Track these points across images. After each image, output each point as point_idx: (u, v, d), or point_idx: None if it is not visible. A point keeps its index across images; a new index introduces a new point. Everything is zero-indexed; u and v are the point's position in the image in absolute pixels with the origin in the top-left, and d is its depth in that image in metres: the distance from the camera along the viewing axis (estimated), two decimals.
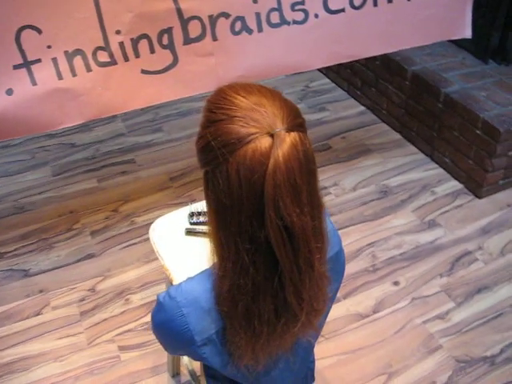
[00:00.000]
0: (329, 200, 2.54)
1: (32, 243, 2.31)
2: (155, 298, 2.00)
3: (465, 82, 2.62)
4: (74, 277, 2.16)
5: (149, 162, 2.77)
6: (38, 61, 1.67)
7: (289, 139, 0.82)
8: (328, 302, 1.00)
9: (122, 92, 1.83)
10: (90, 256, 2.25)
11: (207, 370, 1.23)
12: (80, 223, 2.40)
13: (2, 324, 1.99)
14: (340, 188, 2.63)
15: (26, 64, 1.66)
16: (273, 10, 1.92)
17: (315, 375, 1.31)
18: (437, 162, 2.75)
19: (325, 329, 1.15)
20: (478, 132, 2.41)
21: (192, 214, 1.38)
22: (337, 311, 2.04)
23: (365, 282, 2.15)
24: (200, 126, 0.91)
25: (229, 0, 1.84)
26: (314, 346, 1.21)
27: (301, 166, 0.84)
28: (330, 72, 3.44)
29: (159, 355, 1.88)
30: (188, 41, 1.86)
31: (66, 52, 1.70)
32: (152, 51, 1.83)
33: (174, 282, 1.22)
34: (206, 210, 1.38)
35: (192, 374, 1.62)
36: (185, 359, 1.69)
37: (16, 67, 1.65)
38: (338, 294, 1.87)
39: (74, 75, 1.72)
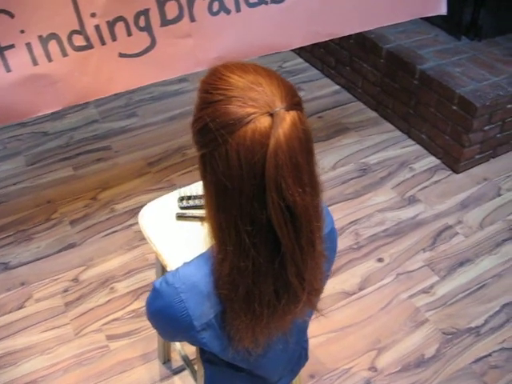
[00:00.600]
0: None
1: (10, 235, 2.25)
2: (140, 285, 1.99)
3: (439, 58, 2.63)
4: (56, 267, 2.12)
5: (125, 147, 2.72)
6: (12, 46, 1.61)
7: (289, 118, 0.81)
8: (324, 281, 1.00)
9: (100, 77, 1.78)
10: (71, 246, 2.20)
11: (204, 354, 1.22)
12: (58, 213, 2.35)
13: None
14: (319, 167, 2.62)
15: None
16: None
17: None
18: (414, 139, 2.77)
19: None
20: (454, 108, 2.44)
21: (182, 198, 1.36)
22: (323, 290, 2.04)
23: (349, 260, 2.17)
24: (195, 108, 0.89)
25: None
26: (308, 325, 1.22)
27: (302, 145, 0.83)
28: (304, 52, 3.42)
29: (148, 342, 1.87)
30: (165, 22, 1.82)
31: (40, 37, 1.64)
32: (129, 34, 1.78)
33: (169, 268, 1.20)
34: (195, 193, 1.38)
35: (185, 359, 1.62)
36: (176, 345, 1.68)
37: None
38: None
39: (50, 60, 1.67)
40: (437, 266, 2.15)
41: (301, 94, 0.80)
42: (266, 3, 1.93)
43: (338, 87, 3.22)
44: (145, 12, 1.77)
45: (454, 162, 2.56)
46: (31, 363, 1.80)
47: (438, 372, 1.81)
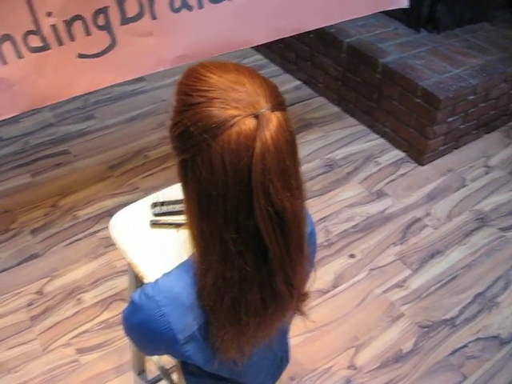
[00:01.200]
0: None
1: None
2: (109, 294, 1.91)
3: (401, 51, 2.64)
4: (19, 280, 2.01)
5: (84, 151, 2.62)
6: None
7: (275, 119, 0.77)
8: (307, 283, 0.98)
9: (59, 79, 1.69)
10: (34, 256, 2.10)
11: (185, 367, 1.17)
12: (18, 222, 2.24)
13: None
14: None
15: None
16: None
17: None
18: (377, 133, 2.78)
19: None
20: (417, 100, 2.45)
21: (155, 205, 1.30)
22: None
23: (322, 258, 2.15)
24: (174, 111, 0.84)
25: None
26: (289, 329, 1.19)
27: (289, 147, 0.80)
28: (263, 48, 3.38)
29: (121, 353, 1.79)
30: (125, 20, 1.74)
31: None
32: (88, 33, 1.70)
33: (146, 280, 1.14)
34: (168, 199, 1.32)
35: (162, 369, 1.56)
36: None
37: None
38: None
39: (4, 63, 1.57)
40: (408, 259, 2.16)
41: None
42: None
43: (298, 83, 3.19)
44: (104, 10, 1.69)
45: (419, 155, 2.57)
46: None
47: (416, 366, 1.81)
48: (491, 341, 1.90)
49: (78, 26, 1.67)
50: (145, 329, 0.90)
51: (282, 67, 3.29)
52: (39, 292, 1.97)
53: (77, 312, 1.91)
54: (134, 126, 2.77)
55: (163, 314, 0.86)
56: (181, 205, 1.30)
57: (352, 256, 2.16)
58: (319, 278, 2.07)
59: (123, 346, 1.81)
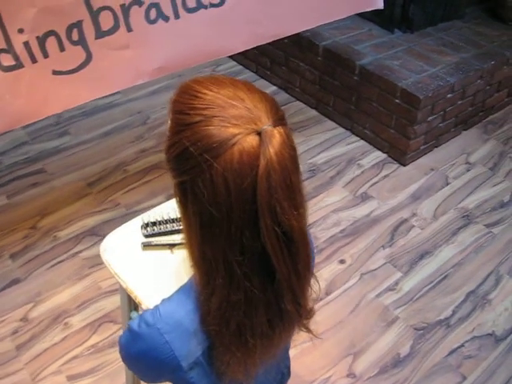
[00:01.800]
0: None
1: None
2: (97, 316, 1.85)
3: (376, 52, 2.64)
4: (1, 307, 1.93)
5: (61, 169, 2.55)
6: None
7: (278, 135, 0.74)
8: None
9: (34, 98, 1.63)
10: (15, 282, 2.02)
11: None
12: None
13: None
14: None
15: None
16: None
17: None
18: (357, 135, 2.77)
19: None
20: (397, 101, 2.44)
21: (146, 225, 1.25)
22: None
23: None
24: (170, 131, 0.80)
25: None
26: (290, 344, 1.16)
27: (293, 164, 0.77)
28: (236, 54, 3.33)
29: (114, 378, 1.74)
30: (100, 34, 1.69)
31: None
32: (62, 49, 1.64)
33: (144, 306, 1.09)
34: (159, 218, 1.27)
35: None
36: None
37: None
38: None
39: None
40: (398, 261, 2.14)
41: None
42: (206, 7, 1.84)
43: (274, 88, 3.17)
44: (77, 24, 1.63)
45: (401, 155, 2.57)
46: None
47: (415, 370, 1.79)
48: (487, 339, 1.89)
49: (51, 42, 1.61)
50: (147, 357, 0.85)
51: (257, 73, 3.27)
52: (24, 319, 1.90)
53: (65, 337, 1.85)
54: (110, 141, 2.71)
55: (166, 341, 0.82)
56: (172, 224, 1.26)
57: (342, 261, 2.14)
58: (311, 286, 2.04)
59: (116, 369, 1.75)
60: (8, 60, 1.55)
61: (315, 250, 2.17)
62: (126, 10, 1.69)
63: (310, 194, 2.44)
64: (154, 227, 1.25)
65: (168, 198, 2.43)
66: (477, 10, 3.10)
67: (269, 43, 2.99)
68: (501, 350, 1.86)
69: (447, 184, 2.51)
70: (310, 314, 0.94)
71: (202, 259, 0.79)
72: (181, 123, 0.76)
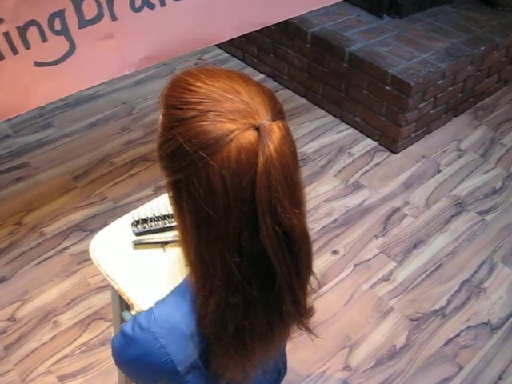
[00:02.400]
0: None
1: None
2: (86, 314, 1.80)
3: (366, 39, 2.59)
4: None
5: (45, 162, 2.48)
6: None
7: (277, 130, 0.71)
8: None
9: (16, 91, 1.57)
10: (1, 280, 1.96)
11: None
12: None
13: None
14: None
15: None
16: None
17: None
18: (347, 123, 2.73)
19: None
20: (387, 88, 2.41)
21: (136, 223, 1.21)
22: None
23: None
24: (162, 127, 0.76)
25: None
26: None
27: (294, 160, 0.74)
28: (223, 42, 3.27)
29: (106, 377, 1.70)
30: (84, 23, 1.62)
31: None
32: (44, 39, 1.57)
33: (136, 308, 1.05)
34: (150, 215, 1.23)
35: None
36: None
37: None
38: None
39: None
40: (392, 251, 2.12)
41: None
42: None
43: (262, 76, 3.12)
44: (60, 13, 1.56)
45: (392, 143, 2.54)
46: None
47: (411, 361, 1.77)
48: (482, 328, 1.88)
49: (32, 32, 1.55)
50: (141, 362, 0.82)
51: (244, 61, 3.21)
52: (11, 318, 1.85)
53: (54, 336, 1.80)
54: (95, 133, 2.64)
55: (162, 345, 0.79)
56: (164, 221, 1.21)
57: (335, 252, 2.11)
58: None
59: (107, 368, 1.71)
60: None
61: None
62: None
63: None
64: (145, 224, 1.21)
65: (156, 191, 2.41)
66: None
67: (256, 30, 2.94)
68: (497, 339, 1.84)
69: (439, 171, 2.48)
70: (310, 312, 0.92)
71: (199, 260, 0.76)
72: (174, 119, 0.72)
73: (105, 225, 2.05)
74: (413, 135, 2.56)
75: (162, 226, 1.20)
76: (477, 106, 2.90)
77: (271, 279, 0.74)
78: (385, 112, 2.48)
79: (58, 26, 1.58)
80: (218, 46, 3.35)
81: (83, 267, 2.02)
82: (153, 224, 1.21)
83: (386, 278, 2.02)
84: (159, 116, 0.77)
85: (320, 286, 1.98)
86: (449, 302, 1.95)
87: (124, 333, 0.82)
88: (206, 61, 3.23)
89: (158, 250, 1.17)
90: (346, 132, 2.70)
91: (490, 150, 2.62)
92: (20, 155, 2.51)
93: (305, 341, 1.81)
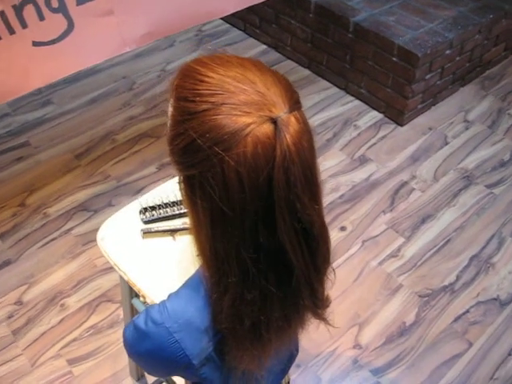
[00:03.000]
0: None
1: None
2: (94, 296, 1.78)
3: (371, 8, 2.52)
4: None
5: (46, 141, 2.43)
6: None
7: (295, 122, 0.67)
8: None
9: (15, 72, 1.52)
10: (6, 263, 1.95)
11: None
12: None
13: None
14: None
15: None
16: None
17: None
18: (352, 95, 2.67)
19: None
20: (394, 59, 2.35)
21: (144, 210, 1.18)
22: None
23: None
24: (172, 120, 0.72)
25: None
26: None
27: (312, 152, 0.70)
28: None
29: (116, 359, 1.70)
30: (82, 0, 1.57)
31: None
32: (41, 18, 1.51)
33: (148, 299, 1.03)
34: (158, 202, 1.20)
35: None
36: None
37: None
38: None
39: None
40: (400, 226, 2.10)
41: None
42: None
43: (264, 47, 3.05)
44: None
45: (398, 115, 2.49)
46: None
47: (421, 338, 1.77)
48: (491, 303, 1.87)
49: (29, 11, 1.49)
50: (155, 356, 0.81)
51: (246, 31, 3.13)
52: (18, 302, 1.83)
53: (62, 319, 1.79)
54: (96, 109, 2.59)
55: (176, 340, 0.77)
56: (173, 208, 1.18)
57: (343, 229, 2.09)
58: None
59: (117, 350, 1.71)
60: None
61: None
62: None
63: None
64: (154, 212, 1.18)
65: (159, 168, 2.37)
66: None
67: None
68: (506, 315, 1.84)
69: (446, 144, 2.44)
70: (326, 303, 0.91)
71: (213, 256, 0.73)
72: (185, 112, 0.68)
73: (109, 204, 2.03)
74: (419, 107, 2.51)
75: (170, 214, 1.17)
76: (484, 75, 2.84)
77: (288, 273, 0.72)
78: (391, 83, 2.43)
79: (55, 3, 1.52)
80: None
81: (89, 248, 2.00)
82: (161, 211, 1.18)
83: (394, 254, 2.00)
84: (169, 107, 0.73)
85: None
86: (458, 277, 1.94)
87: (136, 326, 0.80)
88: (206, 32, 3.15)
89: (168, 239, 1.14)
90: (351, 104, 2.65)
91: (497, 120, 2.57)
92: (20, 134, 2.46)
93: (314, 320, 1.80)
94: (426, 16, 2.47)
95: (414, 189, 2.24)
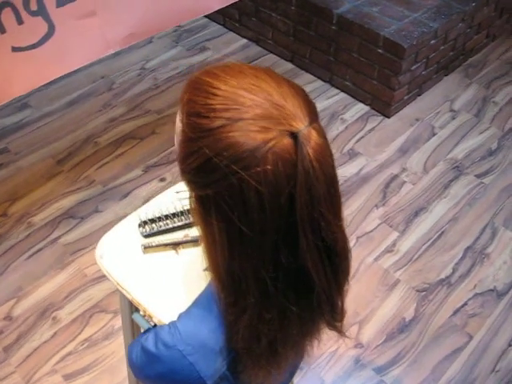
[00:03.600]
0: None
1: None
2: (86, 307, 1.72)
3: None
4: None
5: (26, 147, 2.35)
6: None
7: (317, 136, 0.63)
8: None
9: None
10: None
11: None
12: None
13: None
14: None
15: None
16: None
17: None
18: (338, 87, 2.64)
19: None
20: (379, 51, 2.32)
21: (144, 224, 1.13)
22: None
23: None
24: (183, 137, 0.67)
25: None
26: None
27: (334, 168, 0.66)
28: None
29: (113, 372, 1.65)
30: (62, 1, 1.50)
31: None
32: (20, 22, 1.45)
33: (155, 320, 0.99)
34: (158, 214, 1.15)
35: None
36: None
37: None
38: None
39: None
40: (393, 220, 2.08)
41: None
42: None
43: (245, 41, 2.99)
44: None
45: (385, 107, 2.47)
46: None
47: (422, 333, 1.76)
48: (488, 295, 1.87)
49: (7, 15, 1.42)
50: (168, 379, 0.77)
51: (225, 26, 3.07)
52: (7, 317, 1.77)
53: (55, 333, 1.73)
54: (75, 111, 2.51)
55: (190, 363, 0.73)
56: (173, 220, 1.14)
57: None
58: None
59: (114, 363, 1.66)
60: None
61: None
62: None
63: None
64: (154, 225, 1.13)
65: (145, 171, 2.31)
66: None
67: None
68: (503, 306, 1.84)
69: (434, 134, 2.43)
70: (342, 315, 0.87)
71: (230, 277, 0.70)
72: (199, 128, 0.63)
73: (95, 210, 1.97)
74: (405, 98, 2.49)
75: (171, 226, 1.12)
76: (466, 63, 2.83)
77: (308, 290, 0.69)
78: (377, 75, 2.40)
79: (34, 5, 1.45)
80: None
81: (77, 257, 1.94)
82: (161, 224, 1.13)
83: (389, 250, 1.98)
84: (177, 122, 0.69)
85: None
86: (454, 270, 1.93)
87: (145, 349, 0.77)
88: (185, 27, 3.08)
89: (170, 253, 1.09)
90: (337, 97, 2.62)
91: (483, 109, 2.57)
92: None
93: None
94: (410, 6, 2.45)
95: (404, 182, 2.22)
